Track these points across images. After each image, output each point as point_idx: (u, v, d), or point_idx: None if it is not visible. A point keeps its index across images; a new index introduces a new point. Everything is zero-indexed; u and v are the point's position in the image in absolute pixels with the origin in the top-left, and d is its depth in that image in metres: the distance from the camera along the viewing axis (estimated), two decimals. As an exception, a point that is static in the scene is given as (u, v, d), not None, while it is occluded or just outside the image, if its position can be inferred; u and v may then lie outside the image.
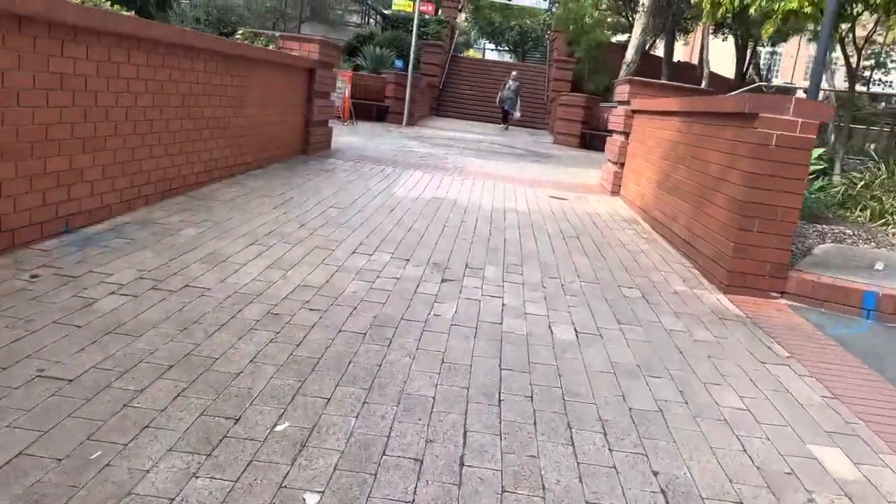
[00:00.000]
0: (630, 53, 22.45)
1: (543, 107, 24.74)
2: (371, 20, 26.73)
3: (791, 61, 40.41)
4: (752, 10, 11.05)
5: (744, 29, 24.23)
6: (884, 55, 27.29)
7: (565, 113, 18.13)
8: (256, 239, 4.56)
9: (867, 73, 27.40)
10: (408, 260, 4.52)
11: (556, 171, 11.13)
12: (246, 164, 7.08)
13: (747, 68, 31.53)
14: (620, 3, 27.57)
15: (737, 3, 11.10)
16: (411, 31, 22.64)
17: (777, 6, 10.22)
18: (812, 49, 30.83)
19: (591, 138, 17.86)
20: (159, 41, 4.93)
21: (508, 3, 29.99)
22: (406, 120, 17.86)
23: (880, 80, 30.57)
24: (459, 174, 9.12)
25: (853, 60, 12.34)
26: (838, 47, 12.37)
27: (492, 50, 44.60)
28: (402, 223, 5.63)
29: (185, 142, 5.58)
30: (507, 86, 20.52)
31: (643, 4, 22.02)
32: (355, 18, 25.16)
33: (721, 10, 11.63)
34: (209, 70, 5.90)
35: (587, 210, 7.49)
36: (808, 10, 9.85)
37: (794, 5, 9.93)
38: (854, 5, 10.11)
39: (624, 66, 22.73)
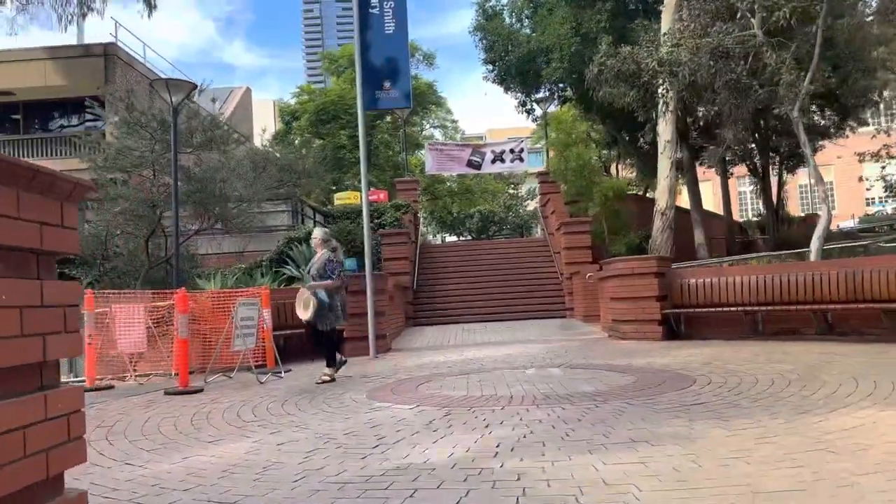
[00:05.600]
0: (663, 199, 16.28)
1: (557, 286, 18.01)
2: (307, 219, 20.55)
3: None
4: None
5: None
6: None
7: (622, 288, 11.24)
8: None
9: None
10: None
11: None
12: None
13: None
14: (612, 140, 22.19)
15: None
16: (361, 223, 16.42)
17: None
18: None
19: (683, 322, 10.83)
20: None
21: (479, 173, 24.33)
22: (374, 348, 10.67)
23: None
24: None
25: None
26: None
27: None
28: None
29: None
30: (311, 263, 8.82)
31: (660, 134, 16.16)
32: (285, 219, 18.89)
33: None
34: None
35: None
36: None
37: None
38: None
39: (658, 216, 16.48)
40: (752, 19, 11.41)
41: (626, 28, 17.70)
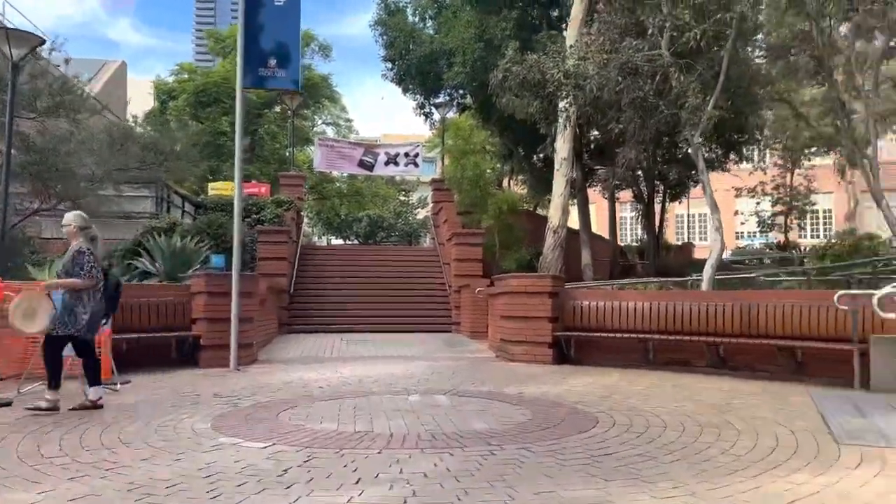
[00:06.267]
0: (556, 217, 15.93)
1: (444, 299, 17.22)
2: (174, 208, 18.66)
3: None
4: None
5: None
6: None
7: (514, 307, 10.54)
8: None
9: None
10: None
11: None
12: None
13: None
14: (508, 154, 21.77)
15: None
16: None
17: None
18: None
19: (573, 345, 10.25)
20: None
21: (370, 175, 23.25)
22: (235, 359, 9.35)
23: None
24: None
25: None
26: None
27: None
28: None
29: None
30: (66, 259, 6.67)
31: (557, 150, 15.80)
32: (148, 206, 16.96)
33: None
34: None
35: None
36: None
37: None
38: None
39: (550, 234, 16.10)
40: (661, 38, 11.12)
41: (531, 40, 17.27)
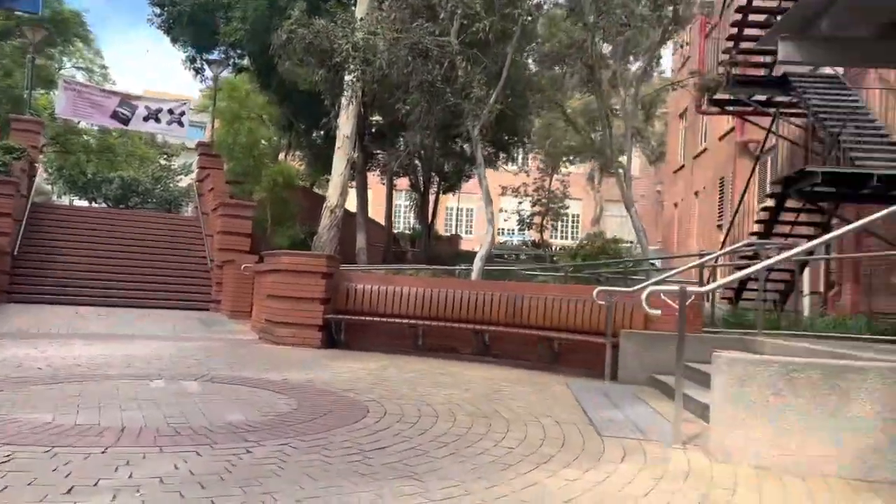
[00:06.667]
0: (335, 196, 15.43)
1: (205, 274, 15.84)
2: None
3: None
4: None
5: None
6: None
7: (284, 286, 9.83)
8: None
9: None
10: None
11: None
12: None
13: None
14: (287, 125, 20.71)
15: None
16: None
17: None
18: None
19: (344, 329, 9.82)
20: None
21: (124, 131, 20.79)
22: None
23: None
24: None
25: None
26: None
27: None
28: None
29: None
30: None
31: (340, 126, 15.32)
32: None
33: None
34: None
35: None
36: None
37: None
38: None
39: (327, 213, 15.56)
40: (452, 25, 11.08)
41: (319, 8, 16.47)
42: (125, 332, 10.27)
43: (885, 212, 5.16)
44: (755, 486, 3.63)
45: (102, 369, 6.51)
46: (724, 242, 13.66)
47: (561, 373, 8.32)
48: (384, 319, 9.62)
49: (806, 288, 11.55)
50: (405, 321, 9.53)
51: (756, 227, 12.03)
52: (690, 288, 4.68)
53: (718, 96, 14.14)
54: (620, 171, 13.83)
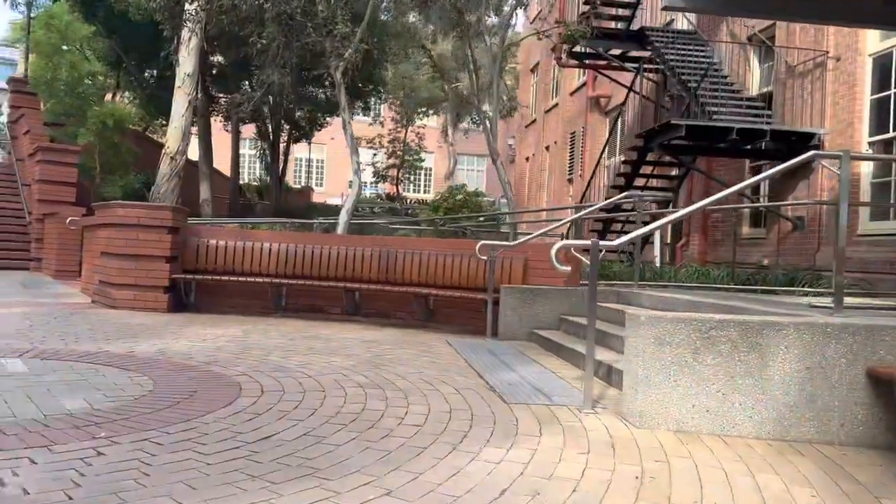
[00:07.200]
0: (175, 141, 13.98)
1: (22, 229, 13.79)
2: None
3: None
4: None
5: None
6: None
7: (121, 243, 8.59)
8: None
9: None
10: None
11: None
12: None
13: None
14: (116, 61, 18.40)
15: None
16: None
17: None
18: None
19: (192, 288, 8.81)
20: None
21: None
22: None
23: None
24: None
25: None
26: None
27: None
28: None
29: None
30: None
31: (181, 63, 13.83)
32: None
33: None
34: None
35: None
36: None
37: None
38: None
39: (166, 161, 14.09)
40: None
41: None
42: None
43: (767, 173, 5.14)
44: (686, 454, 3.40)
45: None
46: (583, 196, 13.90)
47: (437, 330, 7.96)
48: (241, 279, 8.74)
49: (657, 239, 11.99)
50: (266, 280, 8.70)
51: (619, 181, 12.25)
52: (603, 242, 4.37)
53: (577, 49, 14.16)
54: (486, 121, 13.53)
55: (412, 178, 37.49)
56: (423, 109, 31.66)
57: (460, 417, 3.95)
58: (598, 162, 13.38)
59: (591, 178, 13.51)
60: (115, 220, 8.74)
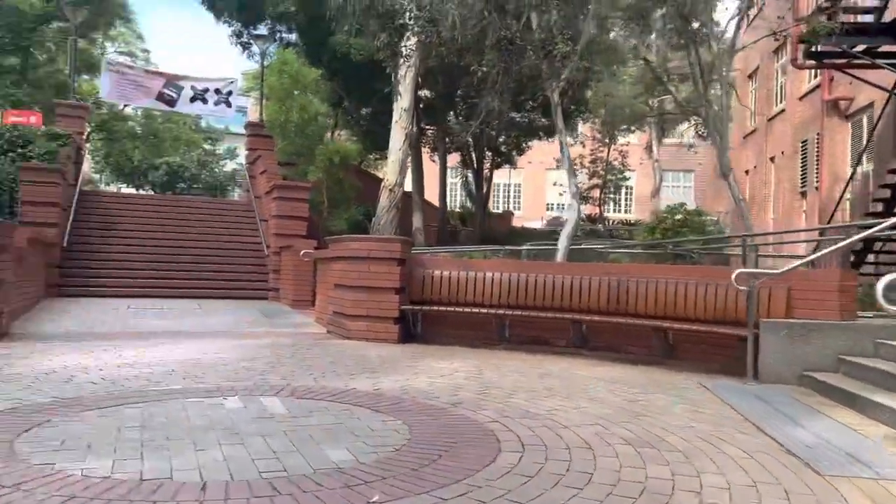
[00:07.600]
0: (394, 174, 14.39)
1: (260, 261, 14.99)
2: None
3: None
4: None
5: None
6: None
7: (354, 274, 8.82)
8: None
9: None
10: None
11: None
12: None
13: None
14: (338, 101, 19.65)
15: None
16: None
17: None
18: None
19: (419, 319, 8.79)
20: None
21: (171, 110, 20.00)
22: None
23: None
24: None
25: None
26: None
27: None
28: None
29: None
30: None
31: (399, 97, 14.20)
32: None
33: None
34: None
35: None
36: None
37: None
38: None
39: (385, 193, 14.54)
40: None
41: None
42: (182, 328, 9.41)
43: None
44: None
45: (164, 381, 5.57)
46: (833, 213, 12.19)
47: (678, 369, 7.16)
48: (465, 310, 8.55)
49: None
50: (490, 311, 8.44)
51: (881, 194, 10.55)
52: (950, 277, 3.45)
53: (820, 48, 12.52)
54: (717, 135, 12.39)
55: (615, 197, 36.21)
56: (626, 126, 30.45)
57: (772, 494, 3.24)
58: (854, 172, 11.64)
59: (844, 190, 11.77)
60: (348, 254, 9.00)
